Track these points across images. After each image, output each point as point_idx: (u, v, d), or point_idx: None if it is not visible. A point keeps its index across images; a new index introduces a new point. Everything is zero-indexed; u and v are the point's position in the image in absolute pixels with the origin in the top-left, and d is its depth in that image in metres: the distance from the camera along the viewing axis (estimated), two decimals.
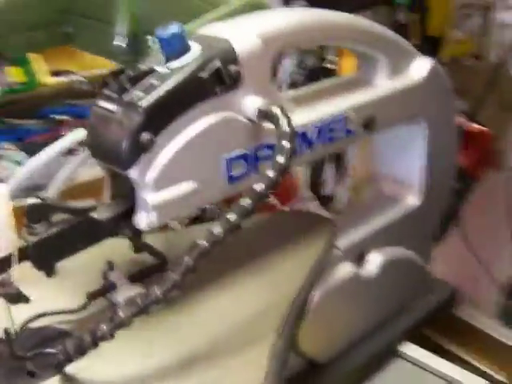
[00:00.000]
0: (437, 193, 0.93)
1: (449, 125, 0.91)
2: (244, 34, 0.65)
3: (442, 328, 1.01)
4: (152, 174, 0.61)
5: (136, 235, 0.72)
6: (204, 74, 0.62)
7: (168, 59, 0.63)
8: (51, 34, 1.07)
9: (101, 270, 0.70)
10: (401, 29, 1.02)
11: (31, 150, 1.38)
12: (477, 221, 1.08)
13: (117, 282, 0.68)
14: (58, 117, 1.56)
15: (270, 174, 0.60)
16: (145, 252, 0.74)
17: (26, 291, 0.66)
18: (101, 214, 0.62)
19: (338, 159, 1.05)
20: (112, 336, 0.57)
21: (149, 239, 0.75)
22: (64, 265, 0.65)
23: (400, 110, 0.84)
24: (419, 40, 1.02)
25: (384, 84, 0.81)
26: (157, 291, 0.57)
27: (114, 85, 0.63)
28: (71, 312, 0.67)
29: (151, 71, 0.62)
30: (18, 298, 0.60)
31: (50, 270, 0.61)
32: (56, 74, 1.61)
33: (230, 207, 0.60)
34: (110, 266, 0.69)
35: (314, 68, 1.00)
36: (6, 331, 0.61)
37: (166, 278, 0.57)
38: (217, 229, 0.58)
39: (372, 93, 0.79)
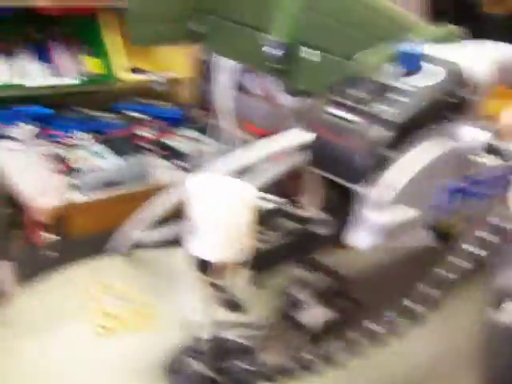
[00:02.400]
0: None
1: None
2: (480, 64, 0.63)
3: None
4: (385, 192, 0.58)
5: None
6: (445, 98, 0.60)
7: (402, 76, 0.61)
8: (179, 29, 1.03)
9: (282, 286, 0.66)
10: None
11: (108, 143, 1.35)
12: None
13: (304, 300, 0.64)
14: (130, 113, 1.52)
15: None
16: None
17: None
18: (320, 228, 0.59)
19: None
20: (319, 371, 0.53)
21: None
22: None
23: None
24: None
25: None
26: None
27: (347, 94, 0.60)
28: (257, 328, 0.63)
29: (390, 86, 0.60)
30: (236, 306, 0.56)
31: (262, 282, 0.58)
32: (132, 70, 1.57)
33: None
34: (295, 282, 0.65)
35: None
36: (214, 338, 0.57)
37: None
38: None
39: None
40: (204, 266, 0.52)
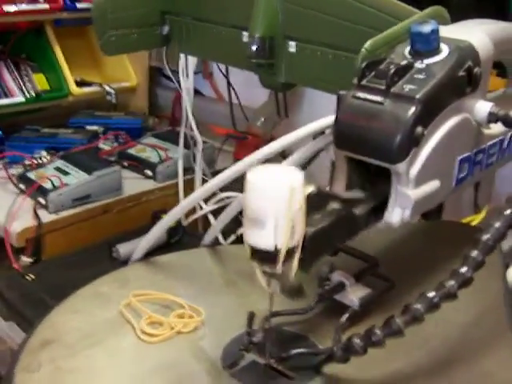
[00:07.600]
0: None
1: None
2: (482, 38, 0.66)
3: None
4: (415, 169, 0.60)
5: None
6: (461, 73, 0.62)
7: (418, 55, 0.63)
8: (149, 34, 1.02)
9: (319, 273, 0.67)
10: None
11: (71, 159, 1.31)
12: None
13: (345, 281, 0.65)
14: (88, 127, 1.50)
15: None
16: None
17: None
18: (358, 209, 0.60)
19: None
20: (383, 344, 0.55)
21: None
22: None
23: None
24: None
25: None
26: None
27: (371, 78, 0.61)
28: (301, 313, 0.64)
29: (411, 66, 0.62)
30: (297, 292, 0.56)
31: (310, 267, 0.58)
32: (81, 84, 1.54)
33: None
34: (332, 267, 0.66)
35: None
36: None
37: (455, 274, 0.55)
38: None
39: None
40: (267, 256, 0.52)
